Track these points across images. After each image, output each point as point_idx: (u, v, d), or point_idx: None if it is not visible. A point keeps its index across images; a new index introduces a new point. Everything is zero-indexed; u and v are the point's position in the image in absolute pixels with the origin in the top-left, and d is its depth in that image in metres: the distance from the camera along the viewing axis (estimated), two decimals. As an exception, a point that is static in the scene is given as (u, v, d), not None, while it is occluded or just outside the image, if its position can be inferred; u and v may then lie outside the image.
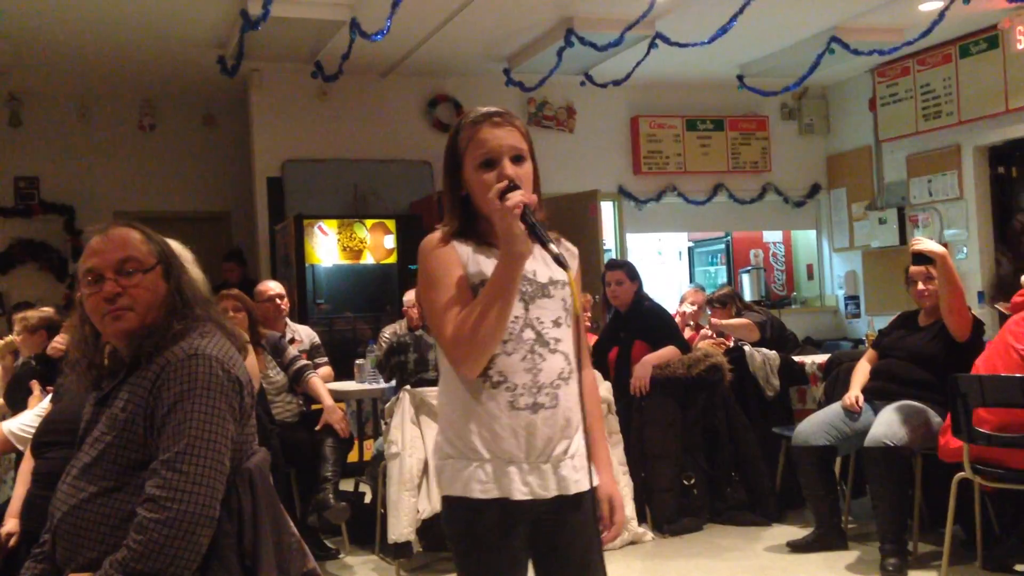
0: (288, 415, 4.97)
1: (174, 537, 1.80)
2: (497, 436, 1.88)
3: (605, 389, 4.79)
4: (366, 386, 5.50)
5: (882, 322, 5.22)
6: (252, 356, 3.83)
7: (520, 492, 1.88)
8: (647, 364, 5.06)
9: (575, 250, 2.07)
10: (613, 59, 7.55)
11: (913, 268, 4.45)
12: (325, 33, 6.93)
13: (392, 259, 7.57)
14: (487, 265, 1.90)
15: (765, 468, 5.16)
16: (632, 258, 8.78)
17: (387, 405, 4.79)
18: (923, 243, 4.23)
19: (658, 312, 5.40)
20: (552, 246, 1.80)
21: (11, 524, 2.95)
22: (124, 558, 1.80)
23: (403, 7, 5.96)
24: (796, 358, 5.66)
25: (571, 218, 7.61)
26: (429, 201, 7.85)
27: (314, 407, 5.05)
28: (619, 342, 5.29)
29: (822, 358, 5.64)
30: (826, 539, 4.47)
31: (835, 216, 9.72)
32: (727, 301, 6.03)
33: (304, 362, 5.08)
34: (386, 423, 4.71)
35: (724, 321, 5.80)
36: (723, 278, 9.95)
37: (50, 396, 3.47)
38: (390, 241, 7.55)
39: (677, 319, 5.99)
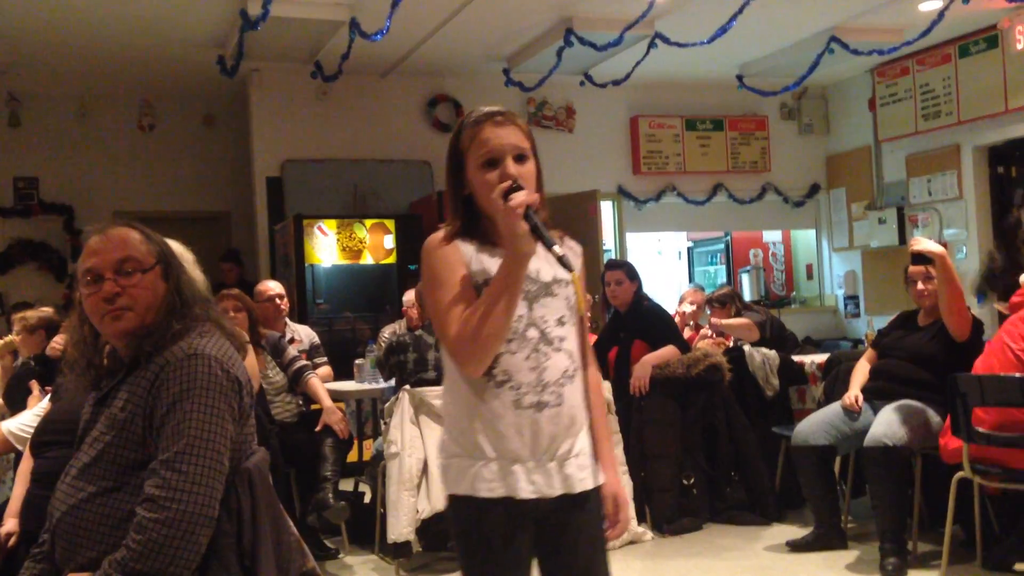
0: (287, 415, 4.97)
1: (173, 537, 1.80)
2: (502, 435, 1.88)
3: (604, 389, 4.79)
4: (365, 386, 5.50)
5: (881, 322, 5.23)
6: (251, 356, 3.84)
7: (526, 491, 1.88)
8: (647, 364, 5.06)
9: (579, 248, 2.08)
10: (613, 59, 7.55)
11: (912, 268, 4.45)
12: (325, 33, 6.93)
13: (392, 259, 7.56)
14: (490, 264, 1.90)
15: (765, 468, 5.16)
16: (632, 258, 8.79)
17: (386, 405, 4.79)
18: (922, 243, 4.23)
19: (657, 312, 5.40)
20: (556, 248, 1.80)
21: (10, 524, 2.94)
22: (123, 558, 1.80)
23: (403, 7, 5.96)
24: (795, 358, 5.66)
25: (571, 218, 7.60)
26: (429, 201, 7.85)
27: (313, 407, 5.05)
28: (618, 342, 5.29)
29: (821, 358, 5.64)
30: (826, 539, 4.46)
31: (835, 216, 9.73)
32: (727, 301, 6.03)
33: (303, 362, 5.08)
34: (385, 423, 4.71)
35: (724, 321, 5.80)
36: (722, 278, 9.95)
37: (49, 396, 3.47)
38: (389, 241, 7.55)
39: (676, 319, 5.99)
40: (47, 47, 7.22)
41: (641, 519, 4.91)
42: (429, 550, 4.44)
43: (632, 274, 5.36)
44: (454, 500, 1.95)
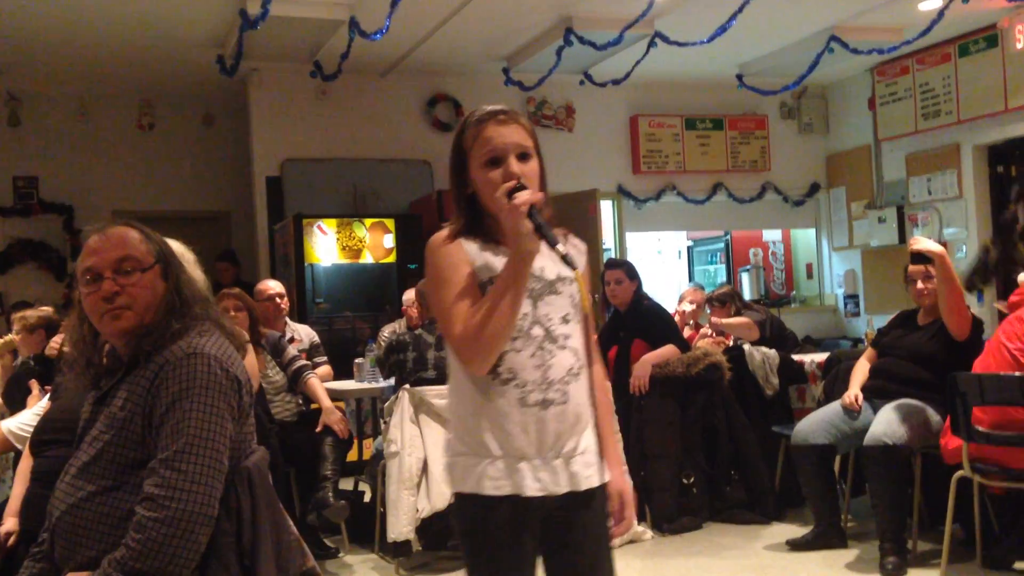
0: (287, 414, 4.98)
1: (172, 536, 1.80)
2: (507, 433, 1.88)
3: (605, 388, 4.79)
4: (365, 385, 5.50)
5: (881, 321, 5.23)
6: (251, 355, 3.84)
7: (532, 488, 1.88)
8: (646, 363, 5.06)
9: (583, 246, 2.08)
10: (612, 58, 7.55)
11: (912, 267, 4.45)
12: (324, 32, 6.93)
13: (391, 258, 7.56)
14: (494, 262, 1.91)
15: (764, 467, 5.16)
16: (631, 257, 8.79)
17: (386, 404, 4.79)
18: (922, 242, 4.23)
19: (657, 311, 5.40)
20: (559, 246, 1.80)
21: (10, 523, 2.95)
22: (123, 556, 1.80)
23: (402, 6, 5.96)
24: (795, 357, 5.66)
25: (570, 217, 7.61)
26: (428, 200, 7.85)
27: (313, 406, 5.05)
28: (618, 341, 5.29)
29: (821, 357, 5.64)
30: (825, 538, 4.46)
31: (834, 215, 9.72)
32: (726, 300, 6.02)
33: (303, 362, 5.08)
34: (385, 422, 4.71)
35: (723, 320, 5.79)
36: (722, 277, 9.94)
37: (48, 395, 3.47)
38: (389, 240, 7.55)
39: (676, 318, 5.99)
40: (47, 47, 7.22)
41: (641, 518, 4.91)
42: (429, 549, 4.44)
43: (632, 273, 5.35)
44: (460, 498, 1.94)
